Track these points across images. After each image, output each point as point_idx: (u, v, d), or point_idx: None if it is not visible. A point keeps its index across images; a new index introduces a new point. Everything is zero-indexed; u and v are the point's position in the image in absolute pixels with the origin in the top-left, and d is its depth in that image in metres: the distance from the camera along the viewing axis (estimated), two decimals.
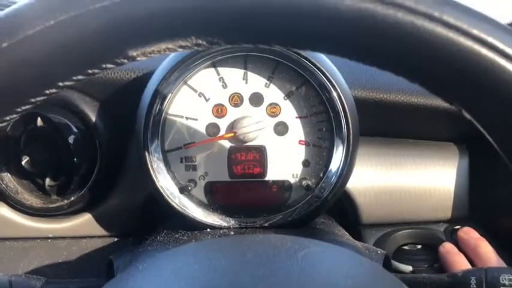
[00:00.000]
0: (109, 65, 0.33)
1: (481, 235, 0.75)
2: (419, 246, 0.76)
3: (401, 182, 0.76)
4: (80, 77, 0.34)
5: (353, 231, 0.72)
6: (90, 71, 0.34)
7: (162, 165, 0.60)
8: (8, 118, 0.35)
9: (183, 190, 0.61)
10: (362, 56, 0.32)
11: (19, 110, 0.35)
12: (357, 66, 0.73)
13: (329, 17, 0.30)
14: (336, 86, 0.58)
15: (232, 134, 0.61)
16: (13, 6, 0.33)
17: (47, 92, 0.34)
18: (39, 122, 0.69)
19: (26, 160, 0.70)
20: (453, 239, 0.75)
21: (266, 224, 0.61)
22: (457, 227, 0.76)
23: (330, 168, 0.61)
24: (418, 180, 0.76)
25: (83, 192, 0.70)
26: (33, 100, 0.34)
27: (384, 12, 0.30)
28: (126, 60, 0.33)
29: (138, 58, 0.33)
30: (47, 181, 0.72)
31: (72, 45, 0.32)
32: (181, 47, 0.33)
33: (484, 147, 0.78)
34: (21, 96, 0.34)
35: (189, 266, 0.38)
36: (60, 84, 0.34)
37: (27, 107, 0.34)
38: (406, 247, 0.76)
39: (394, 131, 0.79)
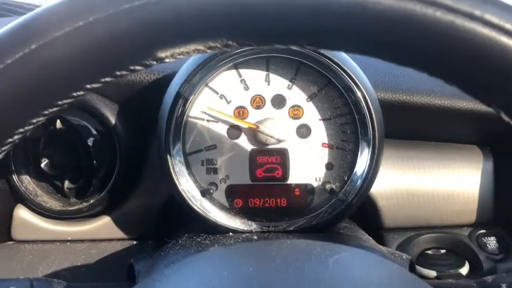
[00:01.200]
0: (137, 67, 0.33)
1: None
2: (443, 251, 0.74)
3: (424, 185, 0.74)
4: (107, 79, 0.33)
5: (375, 235, 0.71)
6: (118, 73, 0.33)
7: (183, 168, 0.60)
8: (35, 121, 0.35)
9: (204, 193, 0.60)
10: (399, 56, 0.31)
11: (46, 112, 0.34)
12: (379, 67, 0.72)
13: (366, 17, 0.29)
14: (361, 86, 0.56)
15: (255, 127, 0.59)
16: (41, 8, 0.32)
17: (75, 94, 0.33)
18: (58, 124, 0.69)
19: (45, 163, 0.70)
20: (478, 244, 0.73)
21: (289, 228, 0.60)
22: (482, 231, 0.75)
23: (354, 172, 0.60)
24: (441, 183, 0.75)
25: (102, 195, 0.70)
26: (60, 103, 0.34)
27: (422, 11, 0.29)
28: (154, 62, 0.33)
29: (167, 60, 0.33)
30: (66, 184, 0.71)
31: (101, 46, 0.31)
32: (210, 48, 0.33)
33: (508, 149, 0.77)
34: (49, 98, 0.33)
35: (217, 272, 0.37)
36: (88, 86, 0.33)
37: (55, 109, 0.34)
38: (429, 252, 0.74)
39: (416, 133, 0.78)
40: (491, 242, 0.74)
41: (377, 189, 0.72)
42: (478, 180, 0.75)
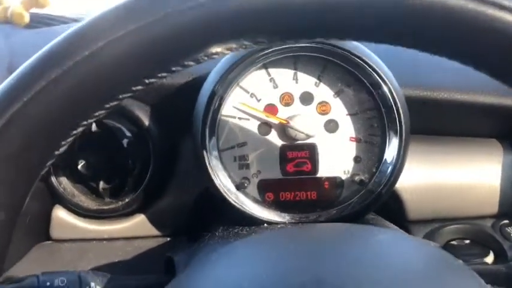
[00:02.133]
0: (191, 63, 0.36)
1: None
2: (467, 241, 0.75)
3: (446, 178, 0.76)
4: (164, 74, 0.36)
5: (400, 227, 0.72)
6: (173, 68, 0.36)
7: (219, 163, 0.62)
8: (97, 114, 0.37)
9: (239, 187, 0.63)
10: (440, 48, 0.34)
11: (108, 106, 0.37)
12: (398, 64, 0.75)
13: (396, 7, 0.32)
14: (387, 82, 0.59)
15: (285, 121, 0.62)
16: (103, 10, 0.35)
17: (134, 88, 0.36)
18: (93, 127, 0.71)
19: (82, 164, 0.73)
20: (502, 234, 0.75)
21: (321, 219, 0.63)
22: (505, 221, 0.76)
23: (383, 162, 0.62)
24: (463, 176, 0.76)
25: (136, 194, 0.72)
26: (121, 96, 0.36)
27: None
28: (206, 58, 0.36)
29: (215, 56, 0.36)
30: (101, 184, 0.74)
31: (162, 42, 0.34)
32: (258, 43, 0.35)
33: None
34: (112, 92, 0.36)
35: (267, 252, 0.39)
36: (146, 81, 0.36)
37: (115, 103, 0.37)
38: (454, 242, 0.75)
39: (436, 128, 0.79)
40: None
41: (401, 183, 0.73)
42: (499, 173, 0.77)
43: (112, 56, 0.34)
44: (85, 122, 0.38)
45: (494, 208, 0.77)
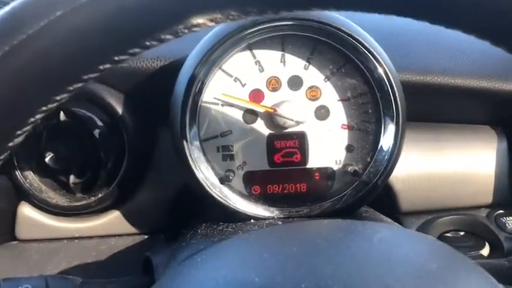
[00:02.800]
0: (168, 36, 0.30)
1: None
2: (462, 233, 0.73)
3: (440, 167, 0.73)
4: (136, 50, 0.31)
5: (392, 219, 0.69)
6: (148, 43, 0.30)
7: (200, 155, 0.57)
8: (59, 98, 0.32)
9: (223, 180, 0.58)
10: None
11: (71, 88, 0.31)
12: (390, 46, 0.71)
13: None
14: (383, 63, 0.55)
15: (272, 110, 0.57)
16: None
17: (101, 67, 0.31)
18: (62, 116, 0.66)
19: (49, 157, 0.67)
20: (497, 224, 0.72)
21: (312, 213, 0.58)
22: (500, 211, 0.74)
23: (379, 151, 0.58)
24: (457, 165, 0.73)
25: (110, 188, 0.67)
26: (85, 77, 0.31)
27: None
28: (186, 31, 0.30)
29: (196, 29, 0.30)
30: (72, 178, 0.69)
31: (129, 12, 0.29)
32: (247, 13, 0.30)
33: None
34: (74, 71, 0.31)
35: (257, 253, 0.35)
36: (116, 58, 0.31)
37: (79, 85, 0.31)
38: (448, 234, 0.72)
39: (428, 114, 0.76)
40: (510, 222, 0.73)
41: (393, 172, 0.70)
42: (494, 161, 0.74)
43: (70, 29, 0.28)
44: (44, 108, 0.32)
45: (488, 197, 0.74)
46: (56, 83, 0.31)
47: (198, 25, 0.30)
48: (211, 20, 0.30)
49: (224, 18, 0.30)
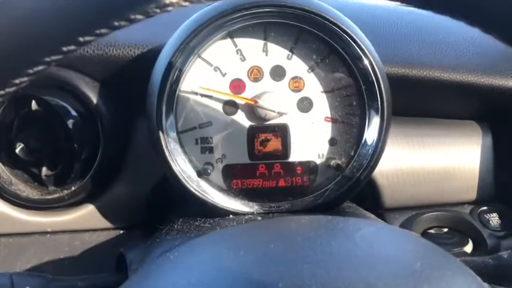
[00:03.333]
0: (139, 16, 0.28)
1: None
2: (445, 230, 0.72)
3: (424, 162, 0.72)
4: (104, 31, 0.28)
5: (375, 216, 0.68)
6: (116, 23, 0.28)
7: (178, 147, 0.55)
8: (18, 82, 0.29)
9: (201, 174, 0.55)
10: None
11: (31, 71, 0.29)
12: (376, 39, 0.69)
13: None
14: (368, 53, 0.53)
15: (252, 102, 0.55)
16: None
17: (65, 49, 0.28)
18: (33, 105, 0.63)
19: (20, 147, 0.64)
20: (480, 221, 0.71)
21: (294, 208, 0.56)
22: (484, 207, 0.73)
23: (363, 145, 0.56)
24: (441, 160, 0.72)
25: (84, 181, 0.64)
26: (48, 59, 0.29)
27: None
28: (158, 10, 0.28)
29: (170, 8, 0.28)
30: (44, 170, 0.66)
31: None
32: None
33: (506, 124, 0.75)
34: (35, 52, 0.28)
35: (233, 251, 0.33)
36: (81, 39, 0.28)
37: (40, 68, 0.29)
38: (431, 231, 0.72)
39: (414, 108, 0.75)
40: (494, 219, 0.72)
41: (377, 167, 0.68)
42: (478, 156, 0.73)
43: (31, 6, 0.26)
44: (2, 92, 0.30)
45: (472, 194, 0.73)
46: (14, 65, 0.29)
47: (171, 4, 0.28)
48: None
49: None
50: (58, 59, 0.29)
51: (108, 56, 0.62)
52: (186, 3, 0.28)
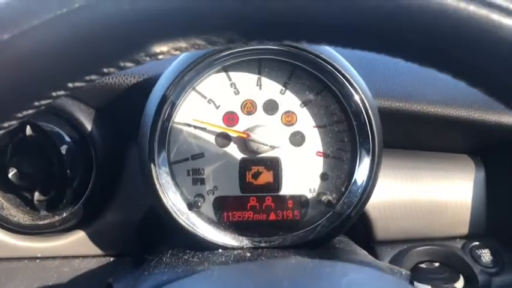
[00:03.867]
0: (128, 64, 0.28)
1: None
2: (436, 264, 0.71)
3: (416, 195, 0.72)
4: (93, 77, 0.29)
5: (367, 249, 0.67)
6: (105, 70, 0.28)
7: (169, 179, 0.55)
8: (6, 125, 0.30)
9: (191, 206, 0.55)
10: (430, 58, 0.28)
11: (20, 115, 0.29)
12: (372, 73, 0.70)
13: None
14: (360, 92, 0.53)
15: (245, 135, 0.56)
16: None
17: (54, 94, 0.29)
18: (28, 130, 0.63)
19: (13, 172, 0.64)
20: (472, 256, 0.71)
21: (284, 244, 0.56)
22: (476, 243, 0.72)
23: (353, 182, 0.56)
24: (433, 193, 0.72)
25: (76, 207, 0.64)
26: (37, 104, 0.29)
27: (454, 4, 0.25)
28: (148, 58, 0.28)
29: (161, 56, 0.28)
30: (36, 195, 0.65)
31: (87, 38, 0.27)
32: (212, 43, 0.28)
33: (499, 158, 0.75)
34: (24, 98, 0.28)
35: None
36: (71, 85, 0.28)
37: (30, 112, 0.29)
38: (423, 265, 0.71)
39: (408, 142, 0.75)
40: (485, 255, 0.71)
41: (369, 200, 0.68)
42: (471, 191, 0.73)
43: (19, 53, 0.26)
44: None
45: (464, 228, 0.73)
46: (3, 109, 0.29)
47: (161, 53, 0.28)
48: (176, 49, 0.28)
49: (189, 47, 0.28)
50: (46, 104, 0.29)
51: (104, 84, 0.63)
52: (177, 52, 0.29)
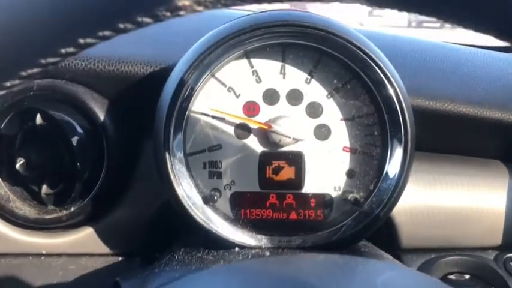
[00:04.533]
0: (146, 19, 0.25)
1: None
2: (467, 276, 0.66)
3: (445, 201, 0.67)
4: (106, 33, 0.25)
5: (392, 256, 0.63)
6: (121, 26, 0.25)
7: (184, 170, 0.51)
8: (8, 85, 0.27)
9: (207, 200, 0.52)
10: None
11: (24, 74, 0.26)
12: (400, 70, 0.66)
13: None
14: (393, 80, 0.49)
15: (266, 127, 0.52)
16: None
17: (63, 51, 0.26)
18: (38, 119, 0.60)
19: (21, 163, 0.61)
20: (506, 269, 0.66)
21: (305, 245, 0.52)
22: (510, 254, 0.68)
23: (384, 178, 0.52)
24: (464, 200, 0.68)
25: (84, 202, 0.61)
26: (44, 62, 0.26)
27: None
28: (168, 13, 0.25)
29: (183, 12, 0.25)
30: (44, 188, 0.63)
31: None
32: None
33: None
34: (30, 54, 0.25)
35: None
36: (82, 41, 0.25)
37: (35, 70, 0.26)
38: (452, 276, 0.66)
39: (437, 144, 0.71)
40: None
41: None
42: (504, 199, 0.69)
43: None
44: None
45: (497, 239, 0.68)
46: (5, 64, 0.26)
47: (183, 7, 0.25)
48: (199, 3, 0.25)
49: (215, 3, 0.25)
50: (53, 62, 0.26)
51: (119, 72, 0.60)
52: (200, 8, 0.25)
